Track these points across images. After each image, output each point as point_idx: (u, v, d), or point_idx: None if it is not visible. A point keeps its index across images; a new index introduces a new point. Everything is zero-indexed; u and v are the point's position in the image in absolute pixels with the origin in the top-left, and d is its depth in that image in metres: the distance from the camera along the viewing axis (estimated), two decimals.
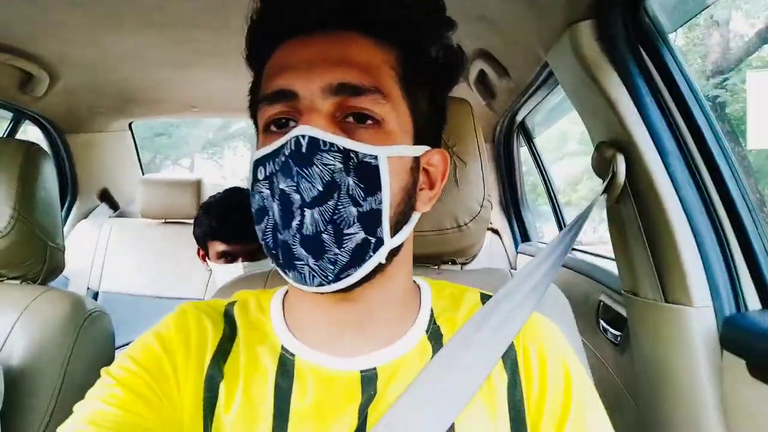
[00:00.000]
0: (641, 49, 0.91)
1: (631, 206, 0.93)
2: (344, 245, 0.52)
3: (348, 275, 0.53)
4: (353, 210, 0.52)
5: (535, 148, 2.07)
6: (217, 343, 0.61)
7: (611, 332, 1.25)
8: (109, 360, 1.06)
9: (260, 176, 0.55)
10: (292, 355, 0.60)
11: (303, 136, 0.51)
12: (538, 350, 0.61)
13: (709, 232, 0.86)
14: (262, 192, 0.55)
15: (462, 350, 0.60)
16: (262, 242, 0.56)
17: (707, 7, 0.91)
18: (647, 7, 0.89)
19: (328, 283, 0.53)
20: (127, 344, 0.64)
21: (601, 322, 1.31)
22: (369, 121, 0.54)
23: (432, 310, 0.65)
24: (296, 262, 0.53)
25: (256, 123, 0.62)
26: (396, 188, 0.55)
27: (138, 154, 2.74)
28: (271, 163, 0.54)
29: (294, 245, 0.52)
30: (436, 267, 0.98)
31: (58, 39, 1.51)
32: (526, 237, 2.30)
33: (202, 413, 0.57)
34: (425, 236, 0.85)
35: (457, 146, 0.87)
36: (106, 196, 2.58)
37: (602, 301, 1.32)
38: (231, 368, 0.59)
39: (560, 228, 2.00)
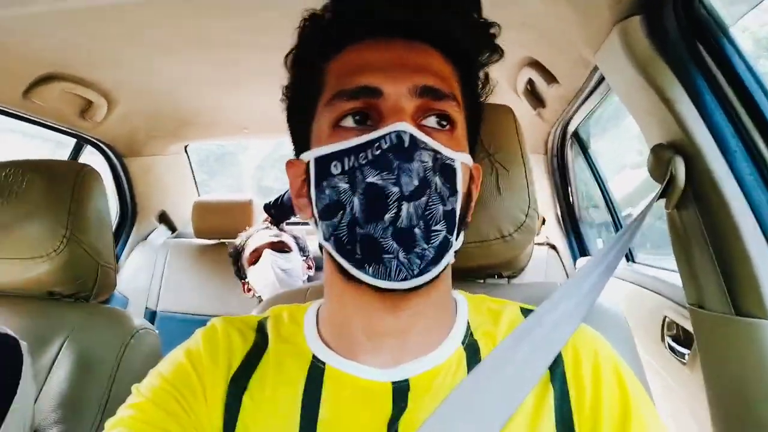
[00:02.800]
0: (698, 44, 0.85)
1: (694, 212, 0.85)
2: (432, 241, 0.53)
3: (428, 271, 0.54)
4: (440, 208, 0.54)
5: (591, 158, 1.98)
6: (244, 356, 0.62)
7: (678, 350, 1.16)
8: None
9: (335, 171, 0.55)
10: (323, 364, 0.59)
11: (404, 132, 0.53)
12: (590, 362, 0.59)
13: None
14: (337, 186, 0.55)
15: (502, 365, 0.57)
16: (331, 238, 0.56)
17: None
18: None
19: (413, 277, 0.53)
20: None
21: (667, 338, 1.22)
22: (446, 126, 0.57)
23: (468, 323, 0.63)
24: (384, 256, 0.52)
25: (298, 125, 0.63)
26: (463, 193, 0.57)
27: (194, 177, 2.83)
28: (353, 157, 0.54)
29: (384, 238, 0.52)
30: (482, 281, 0.94)
31: (114, 66, 1.58)
32: (583, 252, 2.20)
33: (222, 426, 0.57)
34: (467, 248, 0.81)
35: (499, 153, 0.84)
36: (164, 218, 2.67)
37: (667, 316, 1.23)
38: (258, 380, 0.59)
39: None
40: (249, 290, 1.92)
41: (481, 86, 0.67)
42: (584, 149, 1.98)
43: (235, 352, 0.62)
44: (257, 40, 1.37)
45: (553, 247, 2.39)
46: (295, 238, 1.99)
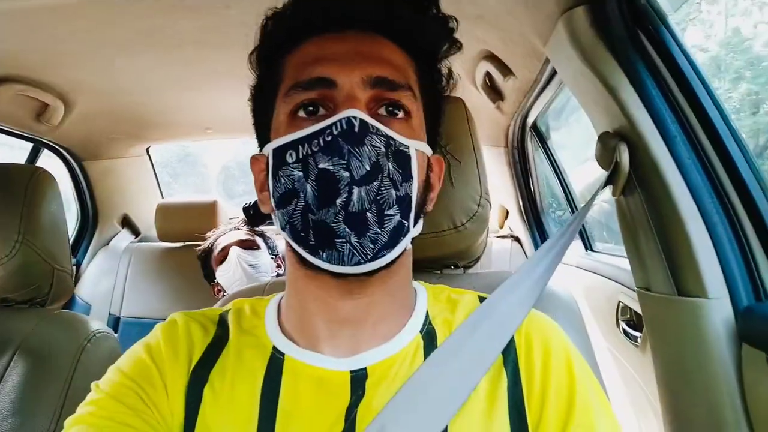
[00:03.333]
0: (640, 33, 0.87)
1: (639, 197, 0.88)
2: (385, 225, 0.54)
3: (383, 255, 0.54)
4: (393, 192, 0.54)
5: (551, 150, 2.02)
6: (204, 349, 0.62)
7: (631, 333, 1.19)
8: None
9: (290, 159, 0.56)
10: (282, 355, 0.60)
11: (354, 118, 0.54)
12: (541, 348, 0.60)
13: (721, 218, 0.81)
14: (292, 174, 0.55)
15: (457, 351, 0.59)
16: (287, 226, 0.57)
17: None
18: None
19: (366, 261, 0.53)
20: None
21: (621, 323, 1.25)
22: (400, 114, 0.58)
23: (427, 313, 0.64)
24: (337, 240, 0.53)
25: (261, 119, 0.64)
26: (420, 180, 0.58)
27: (157, 179, 2.78)
28: (307, 145, 0.55)
29: (336, 222, 0.53)
30: (438, 272, 0.96)
31: (70, 67, 1.54)
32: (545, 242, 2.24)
33: (184, 418, 0.57)
34: (423, 239, 0.82)
35: (451, 144, 0.85)
36: (127, 222, 2.62)
37: (621, 301, 1.27)
38: (218, 373, 0.60)
39: (583, 237, 1.94)
40: (219, 291, 1.91)
41: (444, 80, 0.68)
42: (543, 141, 2.01)
43: (195, 345, 0.62)
44: (221, 39, 1.36)
45: (517, 239, 2.43)
46: (265, 237, 1.99)
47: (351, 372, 0.58)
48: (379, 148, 0.54)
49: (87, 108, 1.89)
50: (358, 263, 0.53)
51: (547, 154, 1.99)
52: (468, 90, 1.74)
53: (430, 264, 0.93)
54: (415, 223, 0.58)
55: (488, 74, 1.58)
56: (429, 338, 0.62)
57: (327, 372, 0.58)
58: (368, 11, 0.61)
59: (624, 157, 0.86)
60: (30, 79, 1.58)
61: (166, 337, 0.62)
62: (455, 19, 0.65)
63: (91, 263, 2.42)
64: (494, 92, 1.71)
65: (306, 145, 0.55)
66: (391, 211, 0.54)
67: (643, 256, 0.91)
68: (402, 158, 0.56)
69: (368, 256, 0.53)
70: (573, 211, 1.97)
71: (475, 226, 0.85)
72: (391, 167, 0.54)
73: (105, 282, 2.31)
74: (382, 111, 0.58)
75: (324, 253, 0.54)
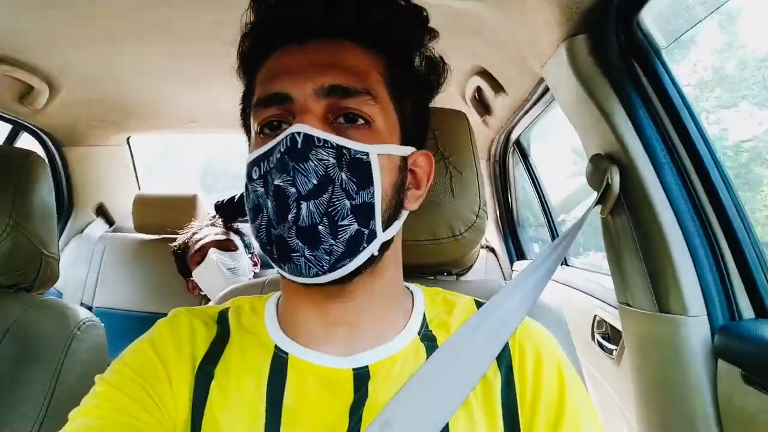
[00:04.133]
0: (635, 63, 0.93)
1: (626, 217, 0.93)
2: (339, 236, 0.54)
3: (343, 265, 0.55)
4: (347, 203, 0.55)
5: (531, 166, 2.08)
6: (208, 345, 0.62)
7: (606, 346, 1.24)
8: (101, 370, 1.05)
9: (255, 176, 0.57)
10: (285, 353, 0.61)
11: (298, 133, 0.54)
12: (533, 354, 0.63)
13: (702, 242, 0.87)
14: (257, 190, 0.57)
15: (457, 352, 0.61)
16: (257, 239, 0.59)
17: (699, 22, 0.93)
18: (640, 22, 0.91)
19: (324, 273, 0.55)
20: None
21: (597, 335, 1.31)
22: (360, 121, 0.58)
23: (425, 314, 0.67)
24: (292, 254, 0.54)
25: (247, 130, 0.65)
26: (387, 184, 0.58)
27: (135, 170, 2.75)
28: (265, 162, 0.56)
29: (290, 237, 0.54)
30: (432, 277, 0.99)
31: (59, 51, 1.52)
32: (521, 255, 2.30)
33: (191, 414, 0.58)
34: (421, 245, 0.86)
35: (453, 157, 0.88)
36: (102, 211, 2.57)
37: (597, 315, 1.32)
38: (223, 369, 0.60)
39: None
40: (194, 288, 1.89)
41: (430, 69, 0.67)
42: (525, 157, 2.07)
43: (198, 342, 0.62)
44: (213, 35, 1.36)
45: (492, 250, 2.48)
46: (241, 234, 1.98)
47: (354, 370, 0.59)
48: (327, 160, 0.54)
49: (72, 93, 1.86)
50: (317, 275, 0.54)
51: (528, 170, 2.05)
52: (457, 102, 1.79)
53: (424, 269, 0.96)
54: (389, 225, 0.59)
55: (479, 89, 1.63)
56: (428, 339, 0.64)
57: (330, 370, 0.59)
58: (323, 19, 0.60)
59: (615, 179, 0.91)
60: (17, 61, 1.56)
61: (169, 332, 0.63)
62: (423, 9, 0.64)
63: (64, 251, 2.36)
64: (482, 107, 1.76)
65: (264, 162, 0.56)
66: (345, 222, 0.54)
67: (626, 273, 0.96)
68: (358, 166, 0.55)
69: (324, 267, 0.54)
70: (550, 225, 2.03)
71: (472, 235, 0.88)
72: (344, 177, 0.54)
73: (77, 271, 2.26)
74: (342, 119, 0.57)
75: (285, 266, 0.56)
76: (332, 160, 0.54)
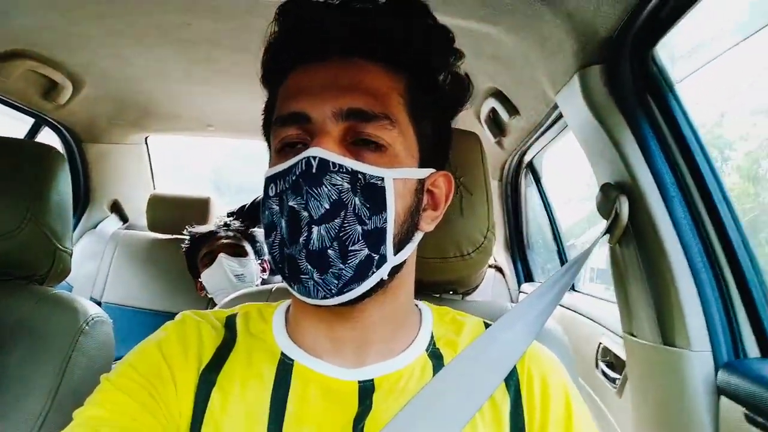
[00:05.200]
0: (648, 96, 0.94)
1: (633, 248, 0.94)
2: (348, 261, 0.55)
3: (351, 289, 0.56)
4: (358, 228, 0.55)
5: (543, 189, 2.09)
6: (214, 350, 0.63)
7: (610, 375, 1.24)
8: (108, 365, 1.06)
9: (271, 193, 0.58)
10: (291, 360, 0.61)
11: (314, 158, 0.54)
12: (541, 380, 0.63)
13: (708, 276, 0.87)
14: (272, 208, 0.58)
15: (464, 372, 0.61)
16: (270, 255, 0.59)
17: (715, 59, 0.94)
18: (655, 56, 0.92)
19: (332, 296, 0.55)
20: None
21: (601, 363, 1.30)
22: (379, 143, 0.57)
23: (433, 333, 0.67)
24: (302, 276, 0.55)
25: (268, 141, 0.65)
26: (401, 209, 0.58)
27: (152, 169, 2.78)
28: (282, 181, 0.57)
29: (300, 260, 0.55)
30: (437, 295, 0.99)
31: (85, 49, 1.56)
32: (529, 277, 2.30)
33: (191, 419, 0.58)
34: (428, 262, 0.86)
35: (465, 177, 0.89)
36: (116, 208, 2.61)
37: (602, 343, 1.32)
38: (227, 375, 0.61)
39: None
40: (202, 289, 1.91)
41: (455, 87, 0.66)
42: (537, 179, 2.08)
43: (205, 346, 0.63)
44: (236, 42, 1.39)
45: (500, 269, 2.48)
46: (253, 240, 1.99)
47: (359, 382, 0.60)
48: (341, 185, 0.54)
49: (94, 91, 1.90)
50: (325, 297, 0.55)
51: (540, 193, 2.05)
52: (472, 123, 1.80)
53: (431, 287, 0.97)
54: (400, 249, 0.59)
55: (493, 110, 1.64)
56: (435, 357, 0.64)
57: (335, 381, 0.60)
58: (346, 37, 0.60)
59: (624, 209, 0.92)
60: (43, 57, 1.60)
61: (176, 335, 0.63)
62: (448, 30, 0.63)
63: (77, 245, 2.39)
64: (497, 128, 1.77)
65: (280, 181, 0.57)
66: (356, 247, 0.54)
67: (632, 304, 0.96)
68: (373, 191, 0.55)
69: (332, 291, 0.55)
70: (559, 249, 2.03)
71: (479, 256, 0.88)
72: (357, 202, 0.54)
73: (88, 265, 2.29)
74: (360, 142, 0.57)
75: (295, 286, 0.56)
76: (346, 185, 0.54)
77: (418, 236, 0.63)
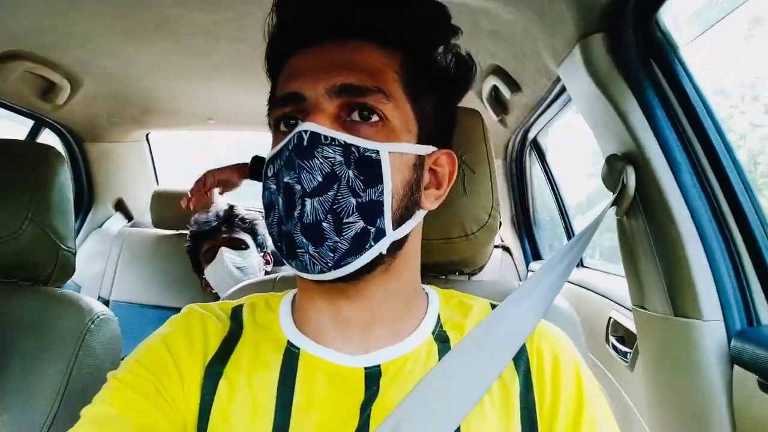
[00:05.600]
0: (652, 62, 0.91)
1: (641, 219, 0.92)
2: (344, 233, 0.55)
3: (348, 263, 0.56)
4: (353, 200, 0.55)
5: (548, 166, 2.07)
6: (220, 342, 0.63)
7: (621, 349, 1.23)
8: (115, 364, 1.06)
9: (269, 173, 0.59)
10: (297, 348, 0.61)
11: (305, 131, 0.55)
12: (552, 358, 0.62)
13: (719, 245, 0.85)
14: (270, 187, 0.58)
15: (470, 353, 0.61)
16: (271, 235, 0.60)
17: (719, 21, 0.91)
18: (658, 21, 0.90)
19: (329, 269, 0.55)
20: None
21: (611, 338, 1.29)
22: (373, 118, 0.58)
23: (439, 316, 0.66)
24: (298, 251, 0.55)
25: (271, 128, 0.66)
26: (398, 182, 0.58)
27: (154, 166, 2.78)
28: (278, 160, 0.57)
29: (296, 234, 0.55)
30: (443, 277, 0.98)
31: (81, 48, 1.55)
32: (537, 255, 2.29)
33: (198, 411, 0.58)
34: (432, 244, 0.85)
35: (467, 155, 0.87)
36: (121, 206, 2.61)
37: (612, 317, 1.31)
38: (234, 366, 0.61)
39: None
40: (207, 286, 1.91)
41: (458, 66, 0.66)
42: (542, 157, 2.06)
43: (211, 338, 0.63)
44: (234, 33, 1.38)
45: (507, 249, 2.47)
46: (254, 233, 1.98)
47: (365, 368, 0.59)
48: (333, 158, 0.55)
49: (92, 89, 1.89)
50: (321, 271, 0.55)
51: (545, 170, 2.03)
52: (473, 102, 1.78)
53: (436, 269, 0.96)
54: (400, 224, 0.59)
55: (495, 88, 1.62)
56: (441, 340, 0.63)
57: (341, 368, 0.60)
58: (338, 21, 0.61)
59: (630, 179, 0.90)
60: (40, 57, 1.59)
61: (182, 328, 0.63)
62: (444, 6, 0.64)
63: (83, 245, 2.40)
64: (499, 106, 1.75)
65: (277, 160, 0.58)
66: (350, 219, 0.55)
67: (641, 276, 0.95)
68: (367, 164, 0.56)
69: (329, 264, 0.55)
70: (566, 225, 2.02)
71: (484, 235, 0.87)
72: (351, 175, 0.55)
73: (96, 264, 2.30)
74: (356, 116, 0.58)
75: (293, 262, 0.57)
76: (339, 158, 0.55)
77: (420, 214, 0.63)
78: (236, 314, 0.67)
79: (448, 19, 0.65)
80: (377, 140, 0.57)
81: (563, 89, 1.37)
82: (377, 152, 0.56)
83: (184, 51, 1.56)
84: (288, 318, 0.65)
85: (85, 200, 2.44)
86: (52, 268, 1.11)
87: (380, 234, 0.56)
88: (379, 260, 0.58)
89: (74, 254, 1.16)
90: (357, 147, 0.56)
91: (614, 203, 0.93)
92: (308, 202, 0.54)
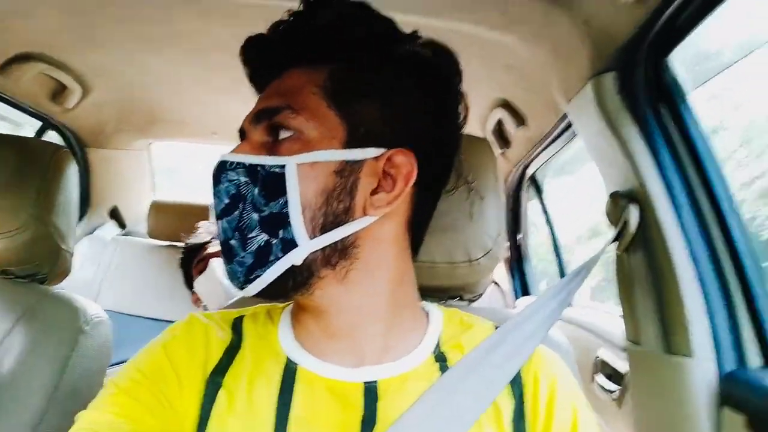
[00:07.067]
0: (661, 104, 0.94)
1: (641, 256, 0.94)
2: (247, 248, 0.58)
3: (257, 276, 0.58)
4: (255, 216, 0.58)
5: (544, 203, 2.09)
6: (221, 353, 0.63)
7: (608, 387, 1.23)
8: (105, 366, 1.06)
9: None
10: (295, 364, 0.61)
11: (217, 163, 0.61)
12: (549, 385, 0.63)
13: (715, 286, 0.87)
14: None
15: (469, 374, 0.61)
16: None
17: (729, 67, 0.95)
18: (669, 64, 0.93)
19: (242, 284, 0.59)
20: (120, 363, 0.64)
21: (599, 375, 1.30)
22: (283, 134, 0.60)
23: (440, 335, 0.66)
24: (226, 269, 0.61)
25: None
26: (311, 192, 0.58)
27: (153, 177, 2.78)
28: None
29: (222, 254, 0.61)
30: (443, 302, 0.98)
31: (97, 53, 1.56)
32: (525, 291, 2.29)
33: (197, 421, 0.58)
34: (436, 267, 0.86)
35: (476, 181, 0.89)
36: (115, 214, 2.60)
37: (599, 356, 1.31)
38: (233, 376, 0.61)
39: None
40: (197, 300, 1.89)
41: (430, 58, 0.65)
42: (539, 193, 2.08)
43: (212, 347, 0.63)
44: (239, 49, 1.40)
45: (497, 284, 2.46)
46: None
47: (364, 383, 0.60)
48: (237, 179, 0.58)
49: (102, 95, 1.91)
50: (241, 287, 0.59)
51: (542, 207, 2.06)
52: (476, 133, 1.80)
53: (436, 292, 0.96)
54: (324, 232, 0.58)
55: (500, 121, 1.65)
56: (441, 359, 0.64)
57: (339, 383, 0.60)
58: (282, 54, 0.65)
59: (633, 217, 0.92)
60: (54, 60, 1.60)
61: (183, 336, 0.64)
62: (366, 8, 0.64)
63: (74, 250, 2.38)
64: (502, 140, 1.78)
65: None
66: (253, 233, 0.57)
67: (636, 311, 0.96)
68: (272, 179, 0.57)
69: (240, 279, 0.59)
70: (559, 263, 2.03)
71: (488, 262, 0.88)
72: (255, 192, 0.57)
73: (85, 270, 2.27)
74: (277, 136, 0.60)
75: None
76: (243, 179, 0.58)
77: (365, 220, 0.60)
78: (237, 325, 0.67)
79: (371, 20, 0.64)
80: (289, 154, 0.58)
81: (567, 126, 1.40)
82: (283, 166, 0.57)
83: (200, 64, 1.59)
84: (287, 331, 0.65)
85: (81, 206, 2.43)
86: (51, 267, 1.11)
87: (289, 245, 0.57)
88: (309, 273, 0.59)
89: (72, 255, 1.16)
90: (262, 165, 0.58)
91: (615, 239, 0.95)
92: (220, 223, 0.60)
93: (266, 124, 0.60)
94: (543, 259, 2.37)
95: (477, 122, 1.74)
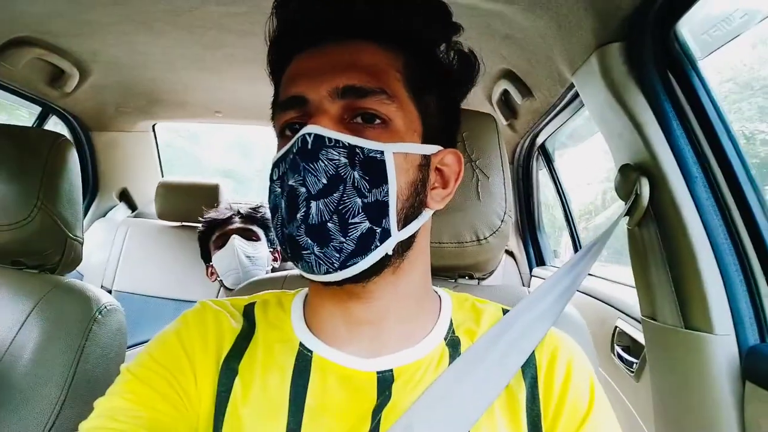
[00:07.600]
0: (669, 74, 0.91)
1: (654, 230, 0.92)
2: (349, 234, 0.55)
3: (354, 263, 0.55)
4: (358, 201, 0.55)
5: (555, 172, 2.06)
6: (234, 339, 0.63)
7: (626, 359, 1.23)
8: (122, 354, 1.07)
9: (274, 176, 0.59)
10: (310, 351, 0.61)
11: (309, 134, 0.55)
12: (565, 368, 0.62)
13: (732, 258, 0.85)
14: (276, 191, 0.58)
15: (480, 359, 0.61)
16: (277, 238, 0.60)
17: (739, 35, 0.91)
18: (677, 33, 0.89)
19: (335, 270, 0.55)
20: (138, 344, 0.64)
21: (617, 348, 1.29)
22: (377, 121, 0.57)
23: (452, 320, 0.66)
24: (303, 252, 0.55)
25: (275, 128, 0.65)
26: (403, 182, 0.57)
27: (159, 157, 2.77)
28: (283, 163, 0.57)
29: (299, 236, 0.55)
30: (453, 280, 0.98)
31: (92, 36, 1.54)
32: (541, 261, 2.29)
33: (214, 408, 0.58)
34: (444, 248, 0.85)
35: (480, 160, 0.87)
36: (125, 196, 2.61)
37: (618, 326, 1.30)
38: (247, 364, 0.61)
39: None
40: (212, 274, 1.92)
41: (461, 64, 0.66)
42: (549, 162, 2.06)
43: (225, 335, 0.63)
44: (245, 27, 1.37)
45: (511, 254, 2.46)
46: (267, 228, 1.98)
47: (378, 373, 0.59)
48: (338, 159, 0.54)
49: (101, 78, 1.89)
50: (327, 272, 0.55)
51: (552, 175, 2.03)
52: (481, 105, 1.77)
53: (446, 272, 0.96)
54: (406, 224, 0.58)
55: (505, 92, 1.62)
56: (453, 345, 0.63)
57: (354, 372, 0.59)
58: (339, 21, 0.60)
59: (644, 190, 0.90)
60: (50, 44, 1.59)
61: (196, 324, 0.63)
62: (442, 3, 0.63)
63: (87, 234, 2.40)
64: (509, 110, 1.74)
65: (282, 164, 0.57)
66: (356, 219, 0.54)
67: (652, 286, 0.94)
68: (372, 164, 0.55)
69: (335, 265, 0.55)
70: (571, 232, 2.01)
71: (496, 240, 0.87)
72: (356, 176, 0.55)
73: (99, 254, 2.30)
74: (359, 119, 0.57)
75: (299, 264, 0.56)
76: (344, 160, 0.55)
77: (427, 213, 0.62)
78: (248, 312, 0.67)
79: (449, 17, 0.64)
80: (381, 141, 0.56)
81: (575, 96, 1.37)
82: (382, 153, 0.56)
83: (195, 43, 1.56)
84: (300, 318, 0.65)
85: (90, 189, 2.44)
86: (60, 257, 1.11)
87: (386, 234, 0.56)
88: (385, 261, 0.57)
89: (82, 243, 1.17)
90: (361, 148, 0.55)
91: (627, 213, 0.93)
92: (313, 204, 0.54)
93: (350, 103, 0.57)
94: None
95: (482, 93, 1.71)
